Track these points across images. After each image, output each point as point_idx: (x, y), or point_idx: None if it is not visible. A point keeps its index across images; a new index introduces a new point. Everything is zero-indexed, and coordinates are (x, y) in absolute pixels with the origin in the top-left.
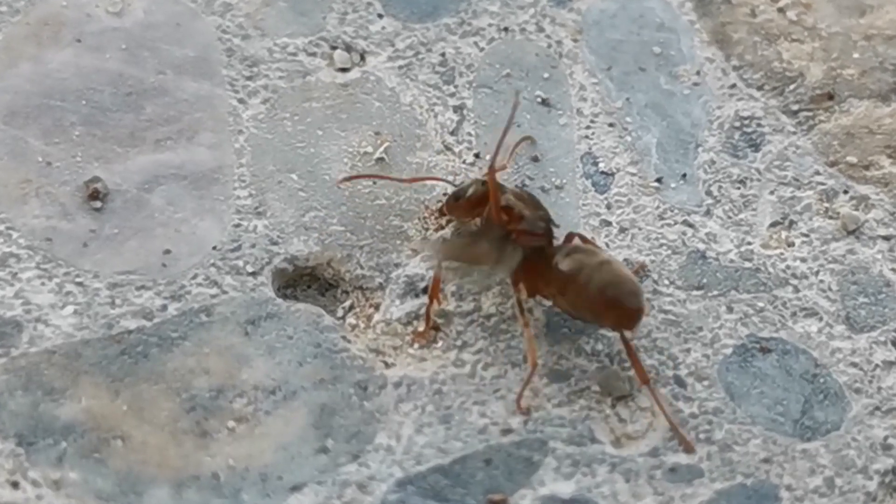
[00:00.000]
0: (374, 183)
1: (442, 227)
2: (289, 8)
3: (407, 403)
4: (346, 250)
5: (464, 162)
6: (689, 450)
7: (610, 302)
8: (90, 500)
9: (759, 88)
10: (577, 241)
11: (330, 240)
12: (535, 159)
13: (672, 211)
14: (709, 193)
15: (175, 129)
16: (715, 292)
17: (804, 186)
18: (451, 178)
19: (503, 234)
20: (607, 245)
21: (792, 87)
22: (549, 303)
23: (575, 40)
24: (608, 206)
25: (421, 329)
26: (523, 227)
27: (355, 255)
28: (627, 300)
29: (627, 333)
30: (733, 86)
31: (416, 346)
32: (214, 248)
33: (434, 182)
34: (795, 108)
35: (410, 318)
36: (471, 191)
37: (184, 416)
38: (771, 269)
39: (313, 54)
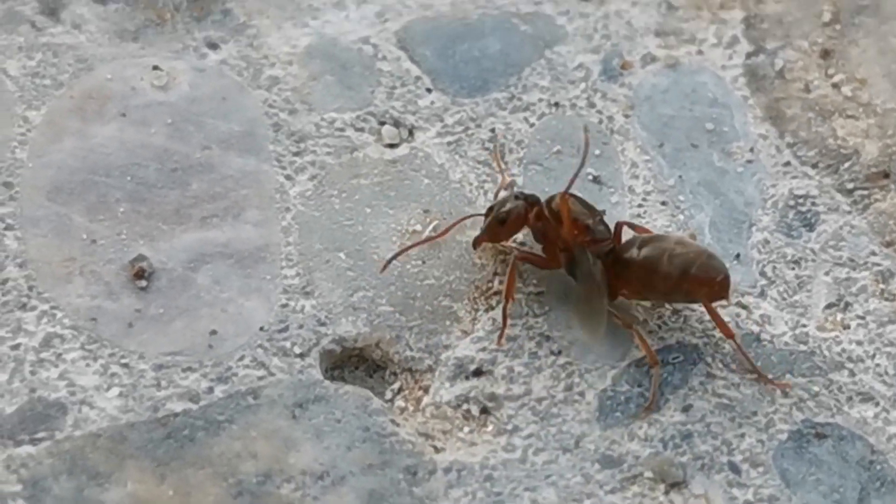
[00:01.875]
0: (423, 262)
1: (491, 308)
2: (336, 82)
3: (457, 489)
4: (395, 331)
5: (514, 240)
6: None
7: (700, 280)
8: None
9: (814, 166)
10: (625, 228)
11: (378, 320)
12: None
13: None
14: (763, 274)
15: (221, 206)
16: (769, 376)
17: (859, 267)
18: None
19: (582, 253)
20: (659, 327)
21: (847, 164)
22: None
23: (626, 116)
24: None
25: (496, 339)
26: (592, 237)
27: (404, 336)
28: (714, 273)
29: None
30: (787, 163)
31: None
32: (261, 328)
33: (484, 262)
34: (850, 186)
35: (460, 402)
36: (512, 211)
37: (231, 502)
38: (826, 353)
39: (361, 129)
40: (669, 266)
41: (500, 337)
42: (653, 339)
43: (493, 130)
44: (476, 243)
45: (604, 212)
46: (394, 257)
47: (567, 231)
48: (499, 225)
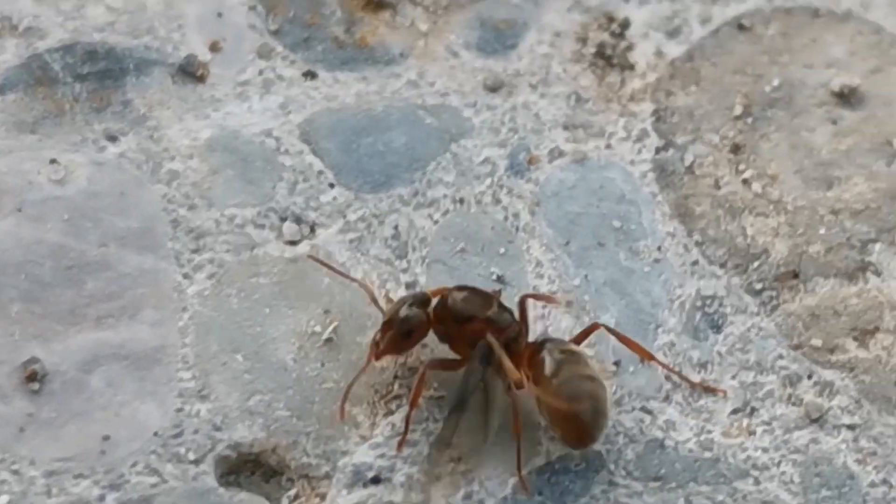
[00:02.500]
0: (323, 365)
1: (391, 413)
2: (237, 176)
3: None
4: (292, 437)
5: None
6: (716, 392)
7: (570, 433)
8: None
9: (722, 265)
10: (531, 301)
11: (275, 425)
12: None
13: (630, 396)
14: (668, 378)
15: (117, 305)
16: (673, 484)
17: (767, 371)
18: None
19: (485, 351)
20: None
21: (756, 264)
22: None
23: (532, 213)
24: None
25: (396, 445)
26: (495, 328)
27: (301, 442)
28: (583, 436)
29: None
30: (695, 262)
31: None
32: (155, 433)
33: (383, 365)
34: (759, 286)
35: None
36: (413, 321)
37: None
38: (731, 460)
39: (261, 226)
40: (558, 387)
41: (401, 444)
42: (555, 444)
43: (396, 227)
44: (379, 357)
45: (500, 291)
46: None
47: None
48: (403, 338)
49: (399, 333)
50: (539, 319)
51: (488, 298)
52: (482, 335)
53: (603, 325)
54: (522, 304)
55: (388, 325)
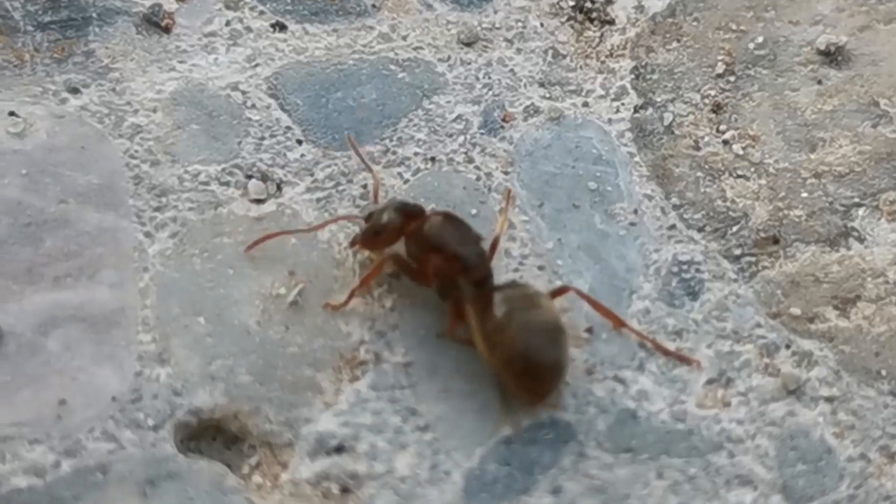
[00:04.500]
0: (287, 328)
1: (357, 379)
2: (202, 131)
3: None
4: (254, 403)
5: (383, 306)
6: (689, 362)
7: (523, 381)
8: None
9: (700, 230)
10: None
11: (237, 391)
12: None
13: (602, 365)
14: (642, 346)
15: (76, 265)
16: (644, 456)
17: (744, 340)
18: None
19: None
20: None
21: (735, 228)
22: None
23: (506, 172)
24: None
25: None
26: (463, 267)
27: (263, 409)
28: (536, 385)
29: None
30: (672, 226)
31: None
32: (113, 398)
33: (349, 329)
34: (738, 252)
35: (320, 479)
36: (388, 225)
37: None
38: (705, 432)
39: (226, 184)
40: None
41: (344, 304)
42: (524, 414)
43: (365, 186)
44: (351, 244)
45: (480, 237)
46: (260, 241)
47: (437, 260)
48: (374, 234)
49: (370, 230)
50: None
51: (468, 236)
52: (447, 270)
53: (574, 289)
54: (494, 246)
55: (367, 218)
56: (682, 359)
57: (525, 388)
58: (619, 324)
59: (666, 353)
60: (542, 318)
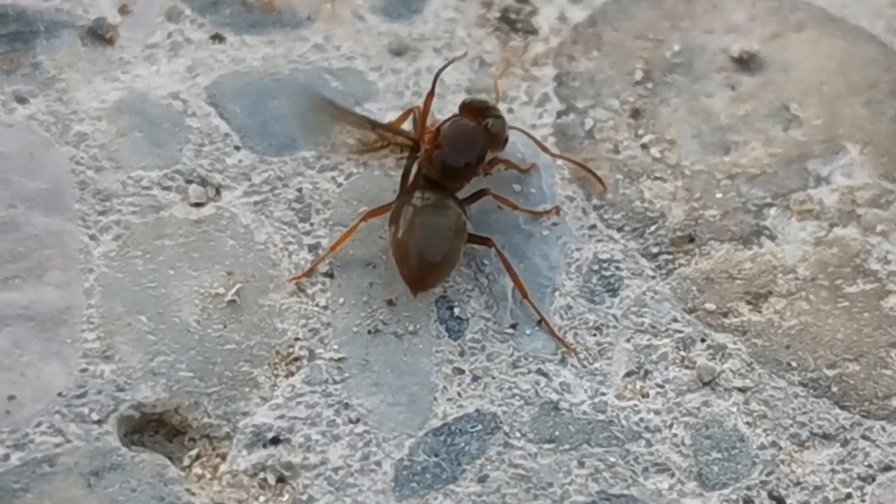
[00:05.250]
0: (225, 326)
1: (291, 374)
2: (144, 138)
3: None
4: (194, 397)
5: (317, 305)
6: (569, 349)
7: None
8: None
9: (619, 229)
10: None
11: (178, 386)
12: (391, 303)
13: (526, 359)
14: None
15: (23, 266)
16: (566, 446)
17: (661, 334)
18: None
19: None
20: (459, 395)
21: (653, 228)
22: None
23: None
24: (461, 353)
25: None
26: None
27: (203, 403)
28: (409, 273)
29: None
30: (593, 226)
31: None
32: (60, 394)
33: (284, 327)
34: (655, 250)
35: (257, 470)
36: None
37: None
38: (624, 422)
39: (168, 188)
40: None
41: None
42: (452, 406)
43: (299, 190)
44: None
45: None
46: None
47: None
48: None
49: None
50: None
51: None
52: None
53: (495, 247)
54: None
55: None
56: (563, 343)
57: (401, 274)
58: (522, 294)
59: (552, 333)
60: (435, 220)
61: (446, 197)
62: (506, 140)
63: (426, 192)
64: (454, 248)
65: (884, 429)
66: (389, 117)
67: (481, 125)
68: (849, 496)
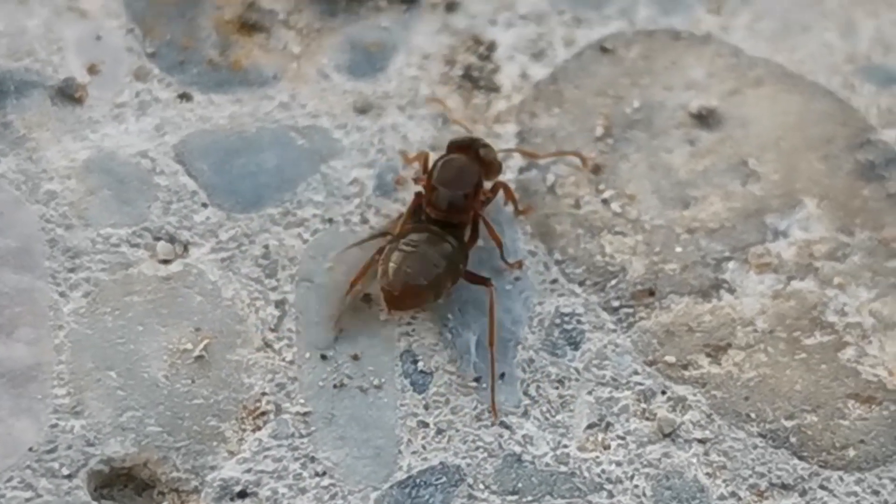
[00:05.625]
0: (193, 381)
1: (259, 428)
2: (113, 197)
3: None
4: (163, 452)
5: (283, 359)
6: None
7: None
8: None
9: (581, 283)
10: None
11: (146, 441)
12: (355, 357)
13: (489, 412)
14: (526, 394)
15: None
16: (529, 497)
17: (622, 387)
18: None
19: None
20: (423, 448)
21: (613, 282)
22: None
23: None
24: (426, 407)
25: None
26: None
27: (171, 457)
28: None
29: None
30: (555, 281)
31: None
32: (30, 449)
33: (251, 381)
34: (616, 304)
35: None
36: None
37: None
38: (586, 474)
39: (136, 245)
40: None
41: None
42: (416, 459)
43: (266, 246)
44: None
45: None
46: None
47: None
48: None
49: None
50: (403, 337)
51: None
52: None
53: (492, 289)
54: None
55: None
56: (493, 407)
57: (383, 293)
58: (489, 343)
59: (492, 391)
60: (429, 248)
61: (447, 234)
62: (499, 166)
63: (428, 227)
64: (442, 278)
65: (841, 479)
66: (354, 174)
67: (471, 155)
68: None
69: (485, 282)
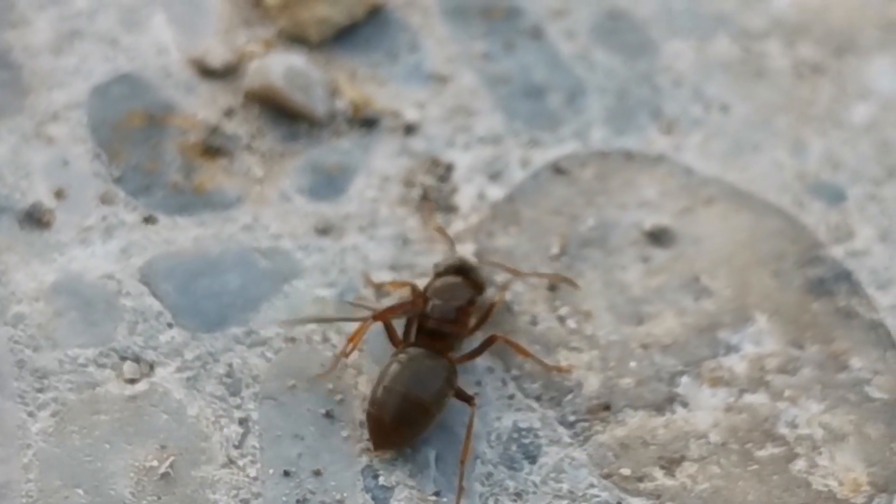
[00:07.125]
0: (159, 498)
1: None
2: (80, 318)
3: None
4: None
5: (247, 476)
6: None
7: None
8: None
9: (538, 399)
10: None
11: None
12: (318, 473)
13: None
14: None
15: None
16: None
17: (579, 499)
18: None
19: None
20: None
21: (569, 397)
22: None
23: (361, 350)
24: None
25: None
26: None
27: None
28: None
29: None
30: (512, 396)
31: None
32: None
33: (216, 497)
34: (572, 418)
35: None
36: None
37: None
38: None
39: (103, 365)
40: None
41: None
42: None
43: (230, 365)
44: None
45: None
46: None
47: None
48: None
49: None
50: (364, 452)
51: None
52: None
53: (475, 406)
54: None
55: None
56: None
57: (368, 429)
58: (462, 458)
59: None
60: (411, 384)
61: (440, 353)
62: (484, 284)
63: (421, 348)
64: (444, 393)
65: None
66: (317, 294)
67: (462, 275)
68: None
69: (469, 399)
